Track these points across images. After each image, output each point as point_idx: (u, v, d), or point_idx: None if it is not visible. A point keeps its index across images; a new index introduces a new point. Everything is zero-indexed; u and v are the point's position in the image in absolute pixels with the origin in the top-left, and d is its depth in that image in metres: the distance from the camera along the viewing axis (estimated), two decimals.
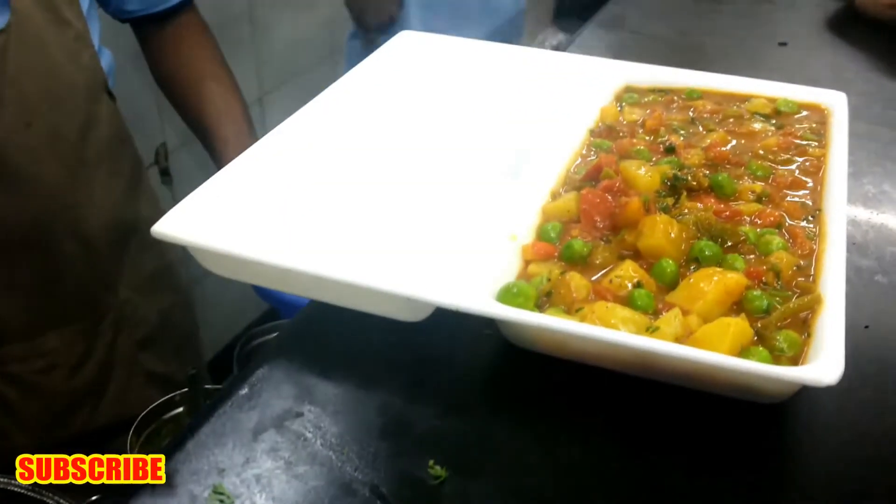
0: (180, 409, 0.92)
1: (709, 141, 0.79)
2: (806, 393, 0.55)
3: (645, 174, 0.69)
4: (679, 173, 0.70)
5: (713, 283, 0.58)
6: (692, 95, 0.89)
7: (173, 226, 0.62)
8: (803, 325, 0.57)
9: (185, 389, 0.92)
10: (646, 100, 0.90)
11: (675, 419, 0.56)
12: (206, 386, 0.93)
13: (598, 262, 0.63)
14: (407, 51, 0.95)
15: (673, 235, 0.63)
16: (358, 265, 0.61)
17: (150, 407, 0.92)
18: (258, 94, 1.96)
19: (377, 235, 0.66)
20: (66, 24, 1.00)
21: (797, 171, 0.75)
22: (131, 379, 1.10)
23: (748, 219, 0.68)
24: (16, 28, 0.95)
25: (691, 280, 0.59)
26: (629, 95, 0.90)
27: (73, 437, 1.05)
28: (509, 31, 1.68)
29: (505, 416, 0.56)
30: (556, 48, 1.50)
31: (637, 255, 0.64)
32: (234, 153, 0.85)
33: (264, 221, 0.66)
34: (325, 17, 2.03)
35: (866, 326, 0.64)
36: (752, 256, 0.64)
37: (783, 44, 1.18)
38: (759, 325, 0.57)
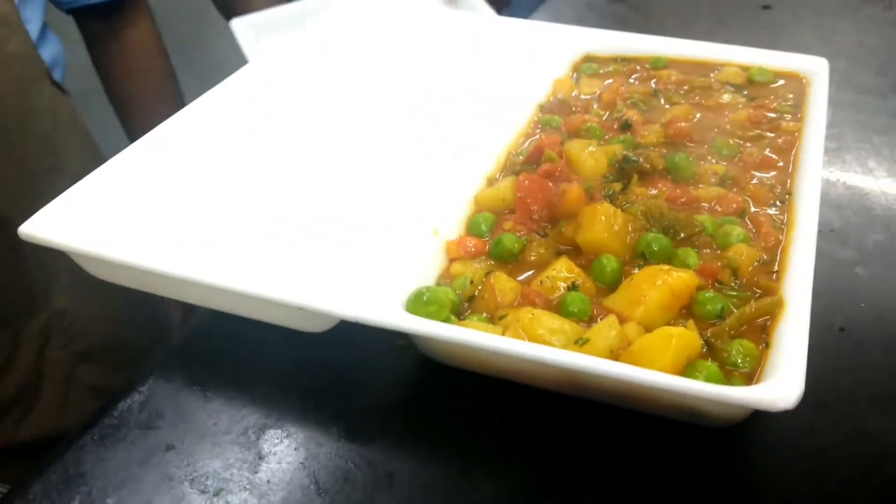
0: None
1: (670, 116, 0.71)
2: (762, 413, 0.47)
3: (590, 156, 0.60)
4: (631, 154, 0.61)
5: (657, 285, 0.50)
6: (657, 65, 0.80)
7: (44, 226, 0.55)
8: (761, 332, 0.49)
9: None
10: (606, 70, 0.81)
11: (612, 445, 0.48)
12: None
13: (532, 258, 0.55)
14: (339, 15, 0.86)
15: (616, 228, 0.54)
16: (252, 269, 0.53)
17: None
18: None
19: (278, 234, 0.58)
20: None
21: (768, 150, 0.67)
22: (69, 392, 1.03)
23: (707, 206, 0.59)
24: None
25: (633, 281, 0.51)
26: (588, 66, 0.81)
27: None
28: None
29: (413, 446, 0.48)
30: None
31: (577, 252, 0.55)
32: None
33: (149, 221, 0.58)
34: None
35: (841, 329, 0.56)
36: (707, 251, 0.55)
37: (767, 7, 1.08)
38: (710, 333, 0.49)
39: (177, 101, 1.15)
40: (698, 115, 0.72)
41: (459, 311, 0.52)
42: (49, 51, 1.01)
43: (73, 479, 0.44)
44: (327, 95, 0.73)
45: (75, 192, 0.57)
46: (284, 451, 0.47)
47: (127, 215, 0.58)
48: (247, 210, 0.60)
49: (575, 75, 0.80)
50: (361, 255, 0.54)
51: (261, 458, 0.46)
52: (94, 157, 1.08)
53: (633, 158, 0.61)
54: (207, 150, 0.66)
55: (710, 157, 0.65)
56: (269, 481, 0.45)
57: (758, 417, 0.46)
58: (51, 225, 0.55)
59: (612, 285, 0.52)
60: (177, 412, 0.48)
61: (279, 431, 0.48)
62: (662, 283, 0.50)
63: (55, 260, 1.01)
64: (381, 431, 0.48)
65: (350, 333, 0.50)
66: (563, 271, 0.53)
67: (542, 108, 0.73)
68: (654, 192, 0.59)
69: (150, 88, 1.15)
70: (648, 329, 0.49)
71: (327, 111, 0.71)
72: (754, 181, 0.63)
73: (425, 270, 0.54)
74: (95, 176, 0.60)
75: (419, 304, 0.49)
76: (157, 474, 0.45)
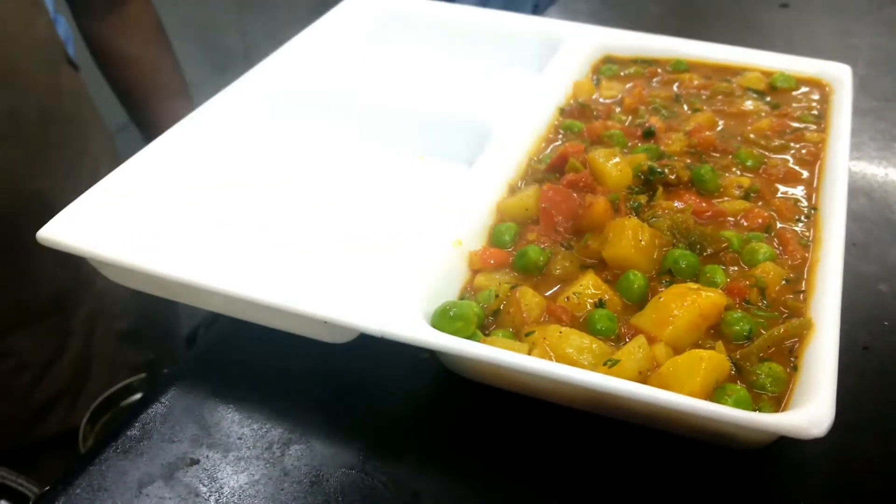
0: (138, 396, 0.87)
1: (694, 124, 0.70)
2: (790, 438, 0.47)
3: (615, 167, 0.60)
4: (656, 165, 0.60)
5: (686, 306, 0.49)
6: (678, 67, 0.79)
7: (63, 231, 0.54)
8: (790, 354, 0.49)
9: (143, 375, 0.87)
10: (626, 72, 0.80)
11: (639, 465, 0.48)
12: (165, 370, 0.88)
13: (557, 272, 0.55)
14: (357, 14, 0.84)
15: (643, 243, 0.54)
16: (275, 279, 0.52)
17: (106, 394, 0.87)
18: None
19: (299, 242, 0.57)
20: None
21: (791, 161, 0.66)
22: (113, 374, 1.03)
23: (733, 220, 0.59)
24: None
25: (661, 300, 0.50)
26: (608, 67, 0.80)
27: (54, 435, 0.97)
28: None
29: (439, 463, 0.48)
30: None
31: (603, 265, 0.55)
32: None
33: (169, 224, 0.57)
34: None
35: (865, 348, 0.56)
36: (735, 268, 0.55)
37: (784, 5, 1.07)
38: (739, 355, 0.49)
39: (183, 91, 1.12)
40: (721, 124, 0.71)
41: (484, 326, 0.51)
42: (62, 27, 1.00)
43: (97, 493, 0.44)
44: (348, 101, 0.72)
45: (94, 193, 0.57)
46: (308, 466, 0.46)
47: (147, 218, 0.57)
48: (268, 216, 0.59)
49: (595, 77, 0.79)
50: (384, 265, 0.53)
51: (286, 474, 0.46)
52: (106, 136, 1.08)
53: (659, 171, 0.60)
54: (226, 152, 0.65)
55: (734, 169, 0.64)
56: (294, 498, 0.44)
57: (786, 440, 0.46)
58: (70, 228, 0.54)
59: (638, 302, 0.52)
60: (199, 425, 0.48)
61: (303, 447, 0.47)
62: (691, 303, 0.49)
63: None
64: (405, 447, 0.48)
65: (372, 345, 0.49)
66: (589, 287, 0.52)
67: (563, 112, 0.72)
68: (679, 205, 0.59)
69: (153, 75, 1.12)
70: (677, 349, 0.48)
71: (347, 118, 0.70)
72: (779, 194, 0.62)
73: (449, 283, 0.53)
74: (114, 176, 0.59)
75: (445, 319, 0.49)
76: (183, 489, 0.44)
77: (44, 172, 0.94)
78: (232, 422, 0.49)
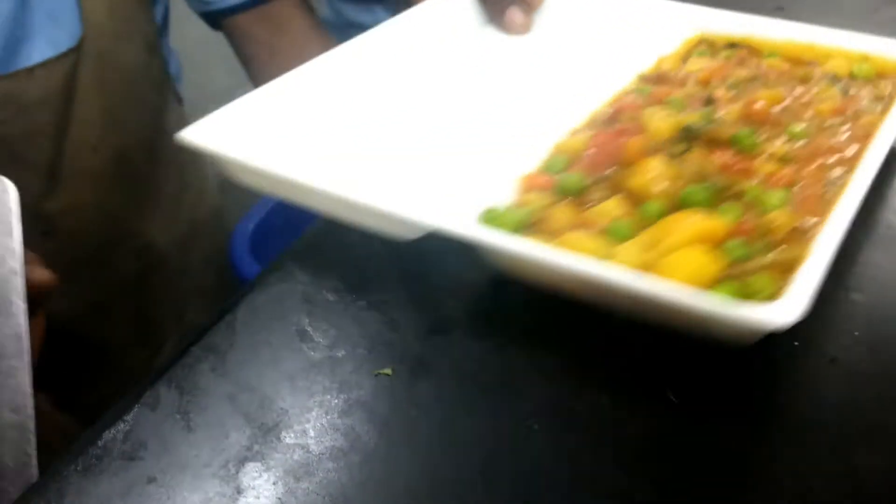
0: None
1: (759, 100, 0.77)
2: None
3: (661, 120, 0.69)
4: (695, 123, 0.69)
5: (688, 222, 0.58)
6: (768, 52, 0.86)
7: (200, 135, 0.69)
8: (784, 274, 0.56)
9: None
10: (717, 56, 0.87)
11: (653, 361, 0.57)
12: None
13: (592, 198, 0.65)
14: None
15: (666, 179, 0.63)
16: (362, 183, 0.66)
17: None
18: None
19: (398, 164, 0.71)
20: (139, 33, 0.95)
21: (843, 137, 0.72)
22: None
23: (758, 179, 0.66)
24: (88, 44, 0.89)
25: (666, 219, 0.60)
26: (701, 49, 0.88)
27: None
28: None
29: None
30: None
31: (630, 197, 0.65)
32: None
33: (288, 138, 0.73)
34: None
35: (832, 360, 0.57)
36: (747, 215, 0.63)
37: (780, 8, 1.05)
38: (733, 268, 0.57)
39: None
40: (786, 101, 0.77)
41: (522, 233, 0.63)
42: (174, 63, 1.04)
43: None
44: (472, 58, 0.85)
45: (231, 108, 0.72)
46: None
47: (266, 130, 0.73)
48: (377, 137, 0.74)
49: (686, 56, 0.87)
50: (450, 181, 0.66)
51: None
52: (199, 165, 1.11)
53: (695, 127, 0.69)
54: (347, 91, 0.80)
55: (777, 141, 0.71)
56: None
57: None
58: (207, 134, 0.70)
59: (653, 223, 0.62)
60: (160, 443, 0.52)
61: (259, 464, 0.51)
62: (695, 221, 0.58)
63: (184, 272, 1.07)
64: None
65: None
66: (613, 207, 0.62)
67: (643, 78, 0.82)
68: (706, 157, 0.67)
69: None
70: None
71: (471, 70, 0.83)
72: (815, 165, 0.69)
73: (501, 197, 0.66)
74: (248, 98, 0.74)
75: (489, 220, 0.61)
76: None
77: (147, 210, 1.01)
78: (191, 440, 0.52)
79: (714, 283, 0.55)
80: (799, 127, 0.73)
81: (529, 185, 0.67)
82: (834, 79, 0.81)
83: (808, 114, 0.76)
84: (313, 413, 0.53)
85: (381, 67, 0.83)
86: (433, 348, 0.58)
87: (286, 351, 0.58)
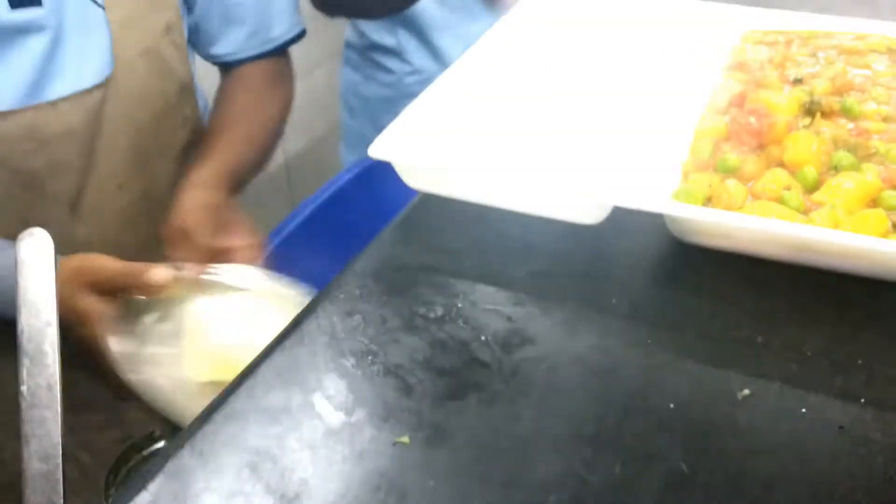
0: (160, 444, 0.86)
1: (833, 72, 0.90)
2: None
3: (784, 98, 0.80)
4: (813, 98, 0.81)
5: (854, 183, 0.70)
6: (812, 35, 0.99)
7: (384, 149, 0.76)
8: None
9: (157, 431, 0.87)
10: (768, 39, 1.00)
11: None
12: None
13: (747, 172, 0.76)
14: (539, 6, 1.06)
15: (814, 148, 0.74)
16: (543, 176, 0.74)
17: (128, 443, 0.86)
18: None
19: (556, 155, 0.79)
20: (171, 74, 0.95)
21: None
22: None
23: (877, 136, 0.79)
24: (117, 81, 0.89)
25: (833, 182, 0.71)
26: (752, 35, 1.00)
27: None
28: None
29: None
30: None
31: (782, 167, 0.75)
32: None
33: (456, 141, 0.80)
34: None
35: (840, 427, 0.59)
36: (882, 168, 0.75)
37: None
38: (891, 215, 0.68)
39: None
40: (854, 72, 0.91)
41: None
42: (201, 100, 1.03)
43: None
44: (568, 64, 0.94)
45: (400, 122, 0.78)
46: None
47: (438, 136, 0.80)
48: (531, 139, 0.81)
49: (745, 45, 0.99)
50: (623, 171, 0.75)
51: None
52: None
53: (817, 101, 0.80)
54: (488, 97, 0.87)
55: (869, 102, 0.84)
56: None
57: None
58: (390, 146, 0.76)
59: (812, 188, 0.72)
60: None
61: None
62: (857, 182, 0.70)
63: None
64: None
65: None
66: (778, 178, 0.73)
67: (728, 69, 0.93)
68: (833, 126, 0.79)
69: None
70: (850, 214, 0.68)
71: (571, 77, 0.92)
72: None
73: (672, 181, 0.75)
74: (410, 111, 0.81)
75: (682, 197, 0.70)
76: None
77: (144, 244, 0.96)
78: None
79: (885, 233, 0.67)
80: (877, 92, 0.86)
81: (690, 168, 0.76)
82: (878, 52, 0.95)
83: (875, 78, 0.89)
84: (333, 484, 0.53)
85: (501, 74, 0.91)
86: (449, 415, 0.58)
87: (305, 417, 0.58)
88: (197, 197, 0.88)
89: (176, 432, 0.84)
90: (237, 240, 0.86)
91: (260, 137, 1.03)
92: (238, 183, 0.97)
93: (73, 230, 0.92)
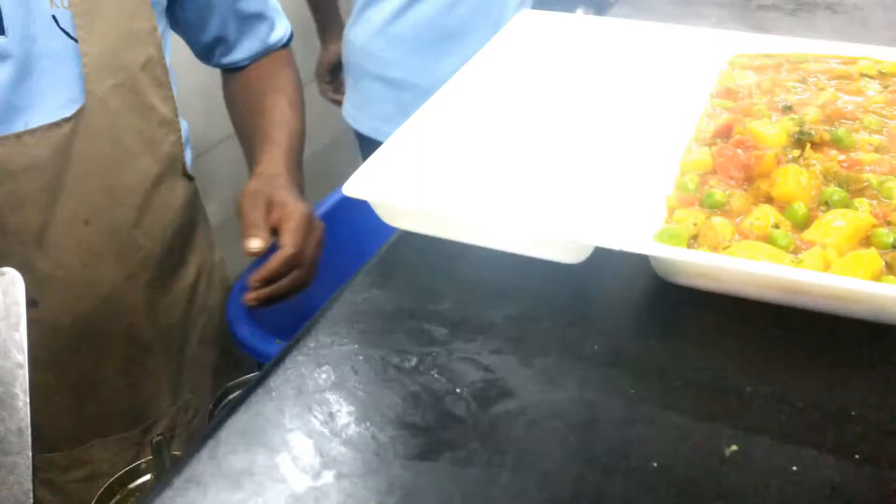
0: (147, 478, 0.87)
1: (822, 100, 0.87)
2: None
3: (772, 131, 0.78)
4: (802, 129, 0.78)
5: (845, 221, 0.67)
6: (802, 58, 0.97)
7: (359, 187, 0.73)
8: None
9: (151, 457, 0.87)
10: (756, 63, 0.97)
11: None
12: (174, 452, 0.88)
13: (734, 208, 0.73)
14: (527, 28, 1.04)
15: (804, 183, 0.71)
16: (523, 214, 0.71)
17: (115, 476, 0.87)
18: None
19: (535, 191, 0.76)
20: (150, 109, 0.93)
21: None
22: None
23: (869, 168, 0.76)
24: (87, 115, 0.86)
25: (824, 220, 0.68)
26: (739, 60, 0.98)
27: None
28: None
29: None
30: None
31: (770, 202, 0.72)
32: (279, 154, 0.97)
33: (433, 177, 0.77)
34: None
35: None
36: (875, 202, 0.72)
37: None
38: (889, 257, 0.66)
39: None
40: (845, 98, 0.88)
41: (688, 247, 0.70)
42: (183, 131, 1.01)
43: None
44: (551, 89, 0.92)
45: (376, 158, 0.75)
46: None
47: (412, 172, 0.77)
48: (505, 171, 0.78)
49: (733, 70, 0.96)
50: (603, 207, 0.72)
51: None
52: (208, 241, 1.11)
53: (807, 132, 0.77)
54: (466, 125, 0.85)
55: (861, 131, 0.81)
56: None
57: None
58: (365, 184, 0.73)
59: (802, 225, 0.69)
60: None
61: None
62: (850, 218, 0.67)
63: (180, 354, 1.05)
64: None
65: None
66: (766, 214, 0.70)
67: (713, 95, 0.90)
68: (824, 157, 0.76)
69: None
70: (841, 254, 0.66)
71: (553, 103, 0.90)
72: None
73: (656, 218, 0.72)
74: (388, 146, 0.78)
75: (665, 238, 0.67)
76: None
77: (137, 288, 0.98)
78: None
79: (878, 274, 0.64)
80: (869, 119, 0.83)
81: (675, 204, 0.74)
82: (869, 77, 0.92)
83: (865, 104, 0.86)
84: None
85: (480, 106, 0.88)
86: (420, 477, 0.55)
87: (269, 481, 0.55)
88: (251, 184, 0.99)
89: (161, 465, 0.85)
90: (282, 221, 0.94)
91: (292, 111, 1.11)
92: (298, 152, 1.07)
93: (37, 265, 0.89)
